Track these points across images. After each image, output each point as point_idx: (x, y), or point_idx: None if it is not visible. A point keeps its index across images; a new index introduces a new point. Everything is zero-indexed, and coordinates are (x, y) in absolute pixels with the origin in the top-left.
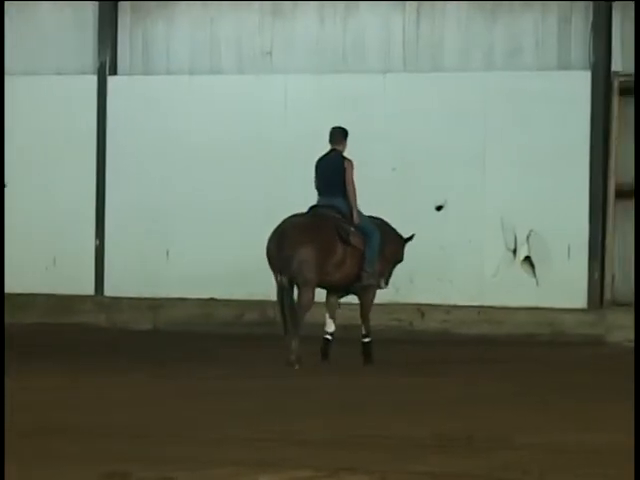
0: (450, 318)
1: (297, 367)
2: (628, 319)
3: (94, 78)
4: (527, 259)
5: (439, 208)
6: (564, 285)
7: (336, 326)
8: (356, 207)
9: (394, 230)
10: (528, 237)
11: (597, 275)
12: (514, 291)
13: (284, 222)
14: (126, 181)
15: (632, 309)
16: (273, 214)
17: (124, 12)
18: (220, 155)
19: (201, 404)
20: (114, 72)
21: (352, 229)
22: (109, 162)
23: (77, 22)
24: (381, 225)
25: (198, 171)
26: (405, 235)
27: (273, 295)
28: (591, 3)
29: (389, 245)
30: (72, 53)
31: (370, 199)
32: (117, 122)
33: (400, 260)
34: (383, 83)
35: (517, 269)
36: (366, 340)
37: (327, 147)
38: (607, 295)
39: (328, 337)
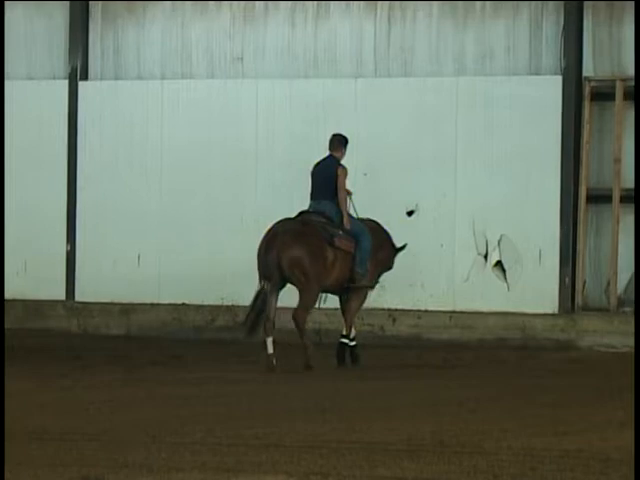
0: (421, 323)
1: (267, 369)
2: (599, 324)
3: (65, 83)
4: (498, 264)
5: (410, 213)
6: (535, 290)
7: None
8: (346, 212)
9: (389, 236)
10: (499, 242)
11: (568, 280)
12: (485, 296)
13: (273, 227)
14: (97, 186)
15: (603, 314)
16: (244, 219)
17: (95, 17)
18: (191, 160)
19: (173, 409)
20: (85, 77)
21: (340, 232)
22: (80, 167)
23: (48, 27)
24: (376, 229)
25: (169, 176)
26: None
27: (243, 300)
28: (562, 8)
29: (384, 250)
30: (43, 58)
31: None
32: (88, 127)
33: (390, 267)
34: (354, 88)
35: (488, 274)
36: (352, 344)
37: (298, 151)
38: (578, 300)
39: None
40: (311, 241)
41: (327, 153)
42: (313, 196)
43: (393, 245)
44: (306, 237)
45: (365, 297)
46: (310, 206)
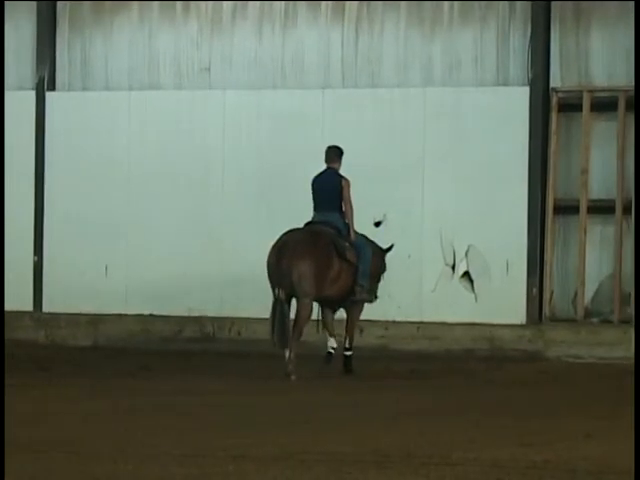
0: (389, 334)
1: (293, 377)
2: (566, 335)
3: (32, 93)
4: (466, 274)
5: (377, 224)
6: (503, 300)
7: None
8: (353, 224)
9: (374, 243)
10: (467, 252)
11: (535, 290)
12: (453, 306)
13: (283, 236)
14: (65, 197)
15: (570, 325)
16: (211, 229)
17: (62, 27)
18: (158, 170)
19: (140, 420)
20: (52, 88)
21: (347, 244)
22: (47, 178)
23: (15, 37)
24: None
25: (137, 187)
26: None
27: (210, 311)
28: (529, 19)
29: (376, 257)
30: (10, 68)
31: (309, 215)
32: (55, 137)
33: (384, 270)
34: (322, 99)
35: (456, 284)
36: (348, 353)
37: (265, 161)
38: (545, 311)
39: (331, 351)
40: (320, 252)
41: (324, 166)
42: (317, 208)
43: (381, 249)
44: (315, 248)
45: (362, 309)
46: (314, 217)
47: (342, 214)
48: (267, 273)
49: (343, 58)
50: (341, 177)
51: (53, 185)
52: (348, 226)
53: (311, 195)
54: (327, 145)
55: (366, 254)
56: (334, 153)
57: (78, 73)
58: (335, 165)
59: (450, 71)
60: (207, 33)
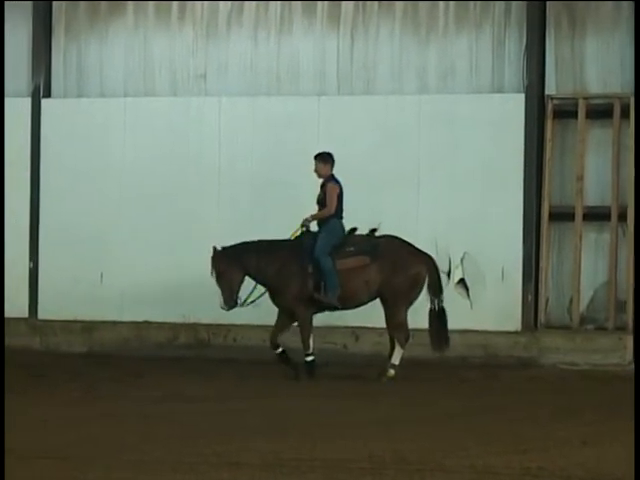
0: (383, 341)
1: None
2: (561, 342)
3: (28, 100)
4: (461, 281)
5: (373, 231)
6: (498, 308)
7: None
8: None
9: None
10: (462, 259)
11: (531, 297)
12: (448, 313)
13: (412, 245)
14: (60, 204)
15: (565, 332)
16: (207, 237)
17: (58, 34)
18: (153, 177)
19: (133, 426)
20: (48, 94)
21: None
22: (43, 185)
23: (11, 44)
24: None
25: (132, 193)
26: None
27: (205, 318)
28: (525, 26)
29: None
30: (6, 75)
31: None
32: (51, 145)
33: None
34: (317, 106)
35: (451, 291)
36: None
37: (261, 168)
38: (540, 318)
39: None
40: None
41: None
42: (342, 215)
43: None
44: None
45: None
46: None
47: None
48: (422, 287)
49: (338, 65)
50: None
51: (48, 192)
52: None
53: (338, 201)
54: (321, 152)
55: None
56: None
57: (74, 80)
58: None
59: (445, 78)
60: (202, 40)
